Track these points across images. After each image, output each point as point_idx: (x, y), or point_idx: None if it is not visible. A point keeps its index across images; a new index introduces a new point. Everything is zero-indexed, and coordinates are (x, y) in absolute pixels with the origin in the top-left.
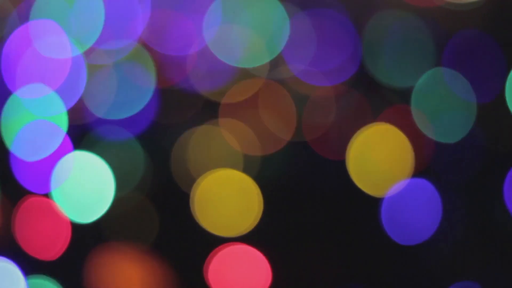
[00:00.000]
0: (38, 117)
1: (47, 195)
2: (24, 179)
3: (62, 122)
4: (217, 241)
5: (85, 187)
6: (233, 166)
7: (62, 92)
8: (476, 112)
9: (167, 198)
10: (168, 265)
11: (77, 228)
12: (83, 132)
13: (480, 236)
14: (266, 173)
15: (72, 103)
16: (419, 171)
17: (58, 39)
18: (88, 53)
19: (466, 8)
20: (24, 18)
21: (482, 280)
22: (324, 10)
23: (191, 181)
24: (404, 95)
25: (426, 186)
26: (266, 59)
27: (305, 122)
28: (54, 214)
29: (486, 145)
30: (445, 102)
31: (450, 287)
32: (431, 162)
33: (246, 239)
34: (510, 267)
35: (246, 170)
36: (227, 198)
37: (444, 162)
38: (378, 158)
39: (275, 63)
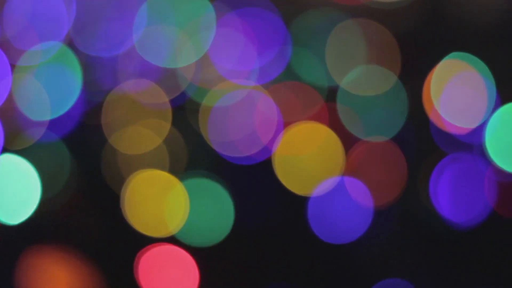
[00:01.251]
0: None
1: None
2: None
3: None
4: (147, 241)
5: (10, 188)
6: (160, 167)
7: None
8: (407, 109)
9: (96, 199)
10: (97, 265)
11: (3, 229)
12: (9, 134)
13: (409, 233)
14: (193, 173)
15: None
16: (350, 169)
17: None
18: (13, 54)
19: (393, 6)
20: None
21: (412, 278)
22: (254, 9)
23: (121, 181)
24: (332, 93)
25: (356, 184)
26: (192, 59)
27: (231, 121)
28: None
29: (416, 142)
30: (374, 99)
31: (377, 284)
32: (361, 160)
33: (174, 239)
34: (438, 264)
35: (173, 170)
36: (155, 198)
37: (375, 160)
38: (305, 156)
39: (202, 63)
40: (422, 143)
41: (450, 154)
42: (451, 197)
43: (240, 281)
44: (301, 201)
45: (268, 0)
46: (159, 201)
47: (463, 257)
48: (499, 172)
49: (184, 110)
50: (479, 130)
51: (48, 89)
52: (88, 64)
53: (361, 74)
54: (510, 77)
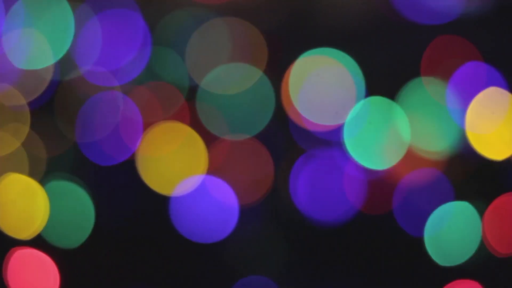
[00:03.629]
0: None
1: None
2: None
3: None
4: (10, 244)
5: None
6: (19, 170)
7: None
8: (274, 107)
9: None
10: None
11: None
12: None
13: (274, 232)
14: (54, 175)
15: None
16: (213, 168)
17: None
18: None
19: (258, 3)
20: None
21: (276, 276)
22: (116, 10)
23: None
24: (193, 93)
25: (219, 183)
26: (51, 61)
27: (92, 123)
28: None
29: (281, 141)
30: (238, 97)
31: (240, 281)
32: (224, 158)
33: (36, 242)
34: (302, 262)
35: (32, 173)
36: (14, 202)
37: (238, 158)
38: (167, 156)
39: (63, 64)
40: (286, 140)
41: (309, 151)
42: (311, 195)
43: (102, 282)
44: (164, 201)
45: (133, 1)
46: (19, 205)
47: (326, 255)
48: (360, 168)
49: (44, 112)
50: (341, 127)
51: None
52: None
53: (223, 72)
54: (376, 73)
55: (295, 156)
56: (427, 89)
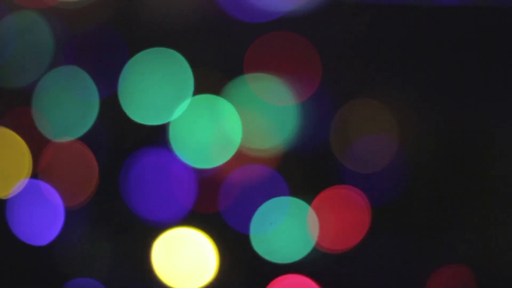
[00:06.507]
0: None
1: None
2: None
3: None
4: None
5: None
6: None
7: None
8: (98, 109)
9: None
10: None
11: None
12: None
13: (103, 233)
14: None
15: None
16: (39, 171)
17: None
18: None
19: (79, 5)
20: None
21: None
22: None
23: None
24: (16, 96)
25: (45, 186)
26: None
27: None
28: None
29: (107, 142)
30: (65, 101)
31: (68, 283)
32: (49, 161)
33: None
34: (129, 263)
35: None
36: None
37: (64, 160)
38: None
39: None
40: (111, 141)
41: (136, 151)
42: (139, 196)
43: None
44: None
45: None
46: None
47: (154, 256)
48: (187, 168)
49: None
50: (167, 126)
51: None
52: None
53: (49, 76)
54: (203, 72)
55: (122, 157)
56: (252, 86)
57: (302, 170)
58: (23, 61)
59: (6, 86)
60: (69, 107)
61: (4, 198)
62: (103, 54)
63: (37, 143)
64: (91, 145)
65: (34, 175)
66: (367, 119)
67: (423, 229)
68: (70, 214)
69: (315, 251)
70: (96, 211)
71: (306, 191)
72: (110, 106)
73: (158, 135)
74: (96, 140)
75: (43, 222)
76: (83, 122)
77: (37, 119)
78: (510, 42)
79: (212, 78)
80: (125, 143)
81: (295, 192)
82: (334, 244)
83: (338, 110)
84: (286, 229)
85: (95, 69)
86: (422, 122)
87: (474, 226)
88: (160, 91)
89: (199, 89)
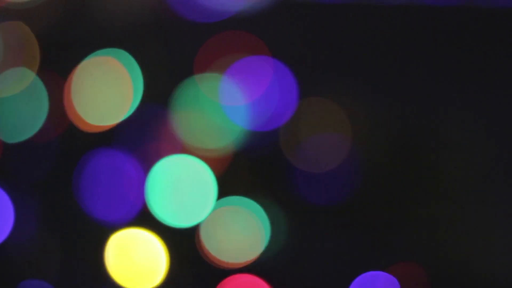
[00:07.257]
0: None
1: None
2: None
3: None
4: None
5: None
6: None
7: None
8: (48, 110)
9: None
10: None
11: None
12: None
13: (52, 233)
14: None
15: None
16: None
17: None
18: None
19: (27, 6)
20: None
21: (52, 278)
22: None
23: None
24: None
25: None
26: None
27: None
28: None
29: (58, 143)
30: (11, 100)
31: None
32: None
33: None
34: (79, 263)
35: None
36: None
37: (12, 162)
38: None
39: None
40: (64, 142)
41: (88, 152)
42: (93, 195)
43: None
44: None
45: None
46: None
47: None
48: (138, 168)
49: None
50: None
51: None
52: None
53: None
54: (154, 72)
55: (74, 158)
56: (202, 86)
57: (252, 170)
58: None
59: None
60: (18, 109)
61: None
62: (51, 55)
63: None
64: (41, 146)
65: None
66: (319, 118)
67: (375, 228)
68: (20, 215)
69: (266, 251)
70: (47, 212)
71: (257, 191)
72: (60, 107)
73: (108, 136)
74: (47, 141)
75: None
76: (32, 123)
77: None
78: (448, 36)
79: (162, 78)
80: (75, 145)
81: (245, 192)
82: None
83: (289, 110)
84: (237, 229)
85: (43, 70)
86: (373, 121)
87: (424, 224)
88: (109, 91)
89: (149, 89)
